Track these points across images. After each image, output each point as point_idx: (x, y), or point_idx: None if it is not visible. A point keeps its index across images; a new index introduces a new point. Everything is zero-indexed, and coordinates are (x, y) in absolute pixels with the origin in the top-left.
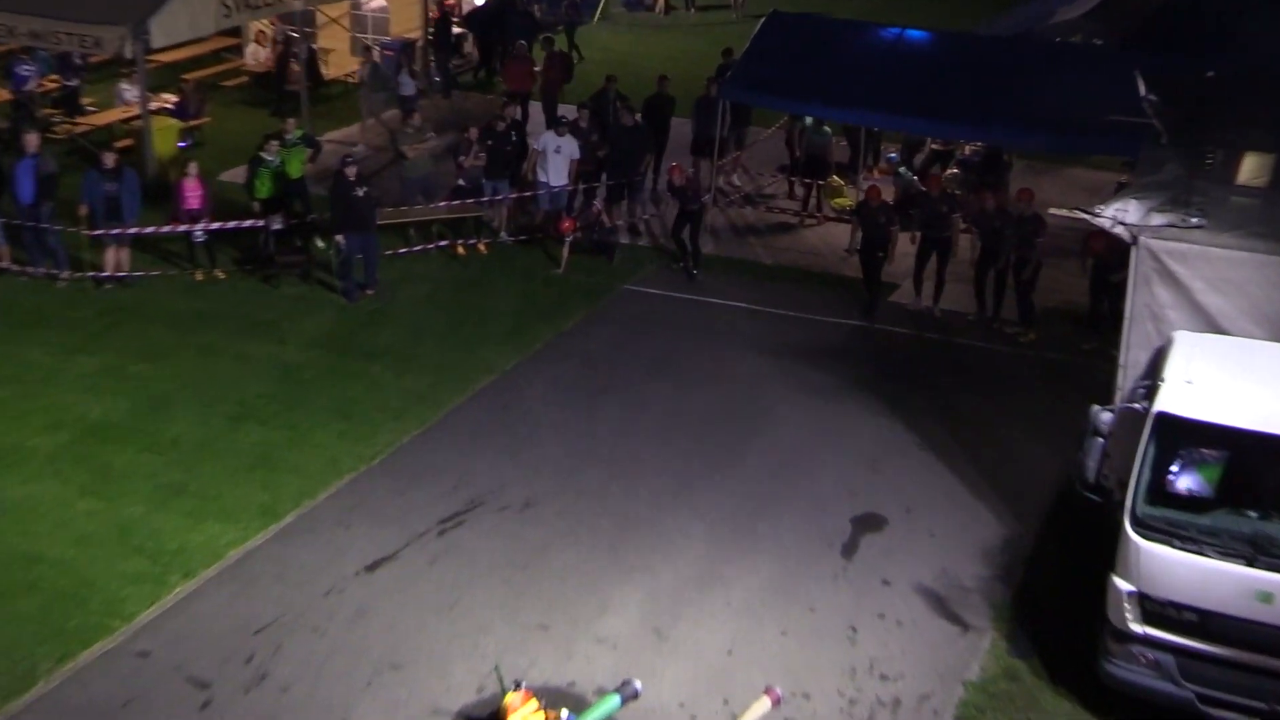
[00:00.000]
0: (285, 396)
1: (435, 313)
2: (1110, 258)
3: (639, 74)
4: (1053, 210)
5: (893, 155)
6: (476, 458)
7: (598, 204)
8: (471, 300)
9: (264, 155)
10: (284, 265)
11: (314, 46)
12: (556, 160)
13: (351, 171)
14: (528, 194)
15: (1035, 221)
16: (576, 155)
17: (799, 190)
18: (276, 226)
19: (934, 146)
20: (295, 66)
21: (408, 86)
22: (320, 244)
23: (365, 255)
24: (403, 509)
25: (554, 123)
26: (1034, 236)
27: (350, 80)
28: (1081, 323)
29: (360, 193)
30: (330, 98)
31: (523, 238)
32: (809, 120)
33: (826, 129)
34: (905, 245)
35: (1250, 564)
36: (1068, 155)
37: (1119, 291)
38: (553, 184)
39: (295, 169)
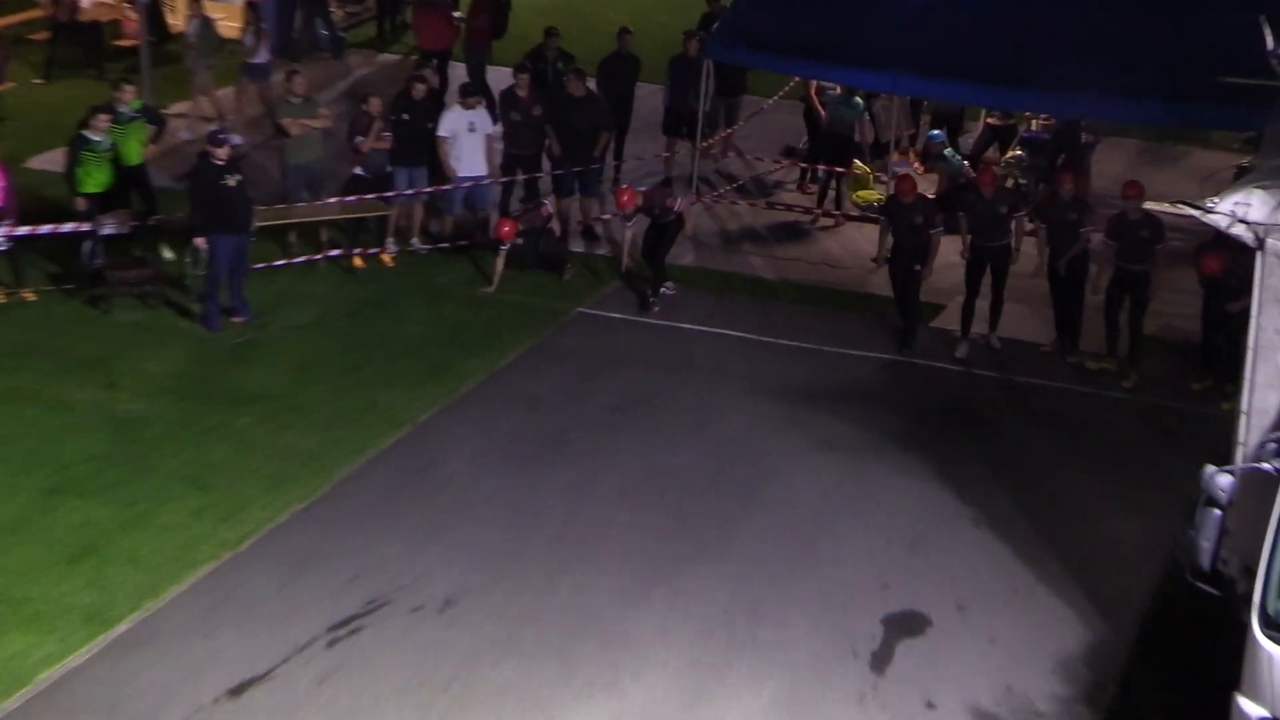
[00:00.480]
0: (121, 460)
1: (325, 345)
2: (1228, 280)
3: (593, 26)
4: (1149, 205)
5: (936, 133)
6: (381, 541)
7: (547, 204)
8: (374, 328)
9: (89, 135)
10: (119, 283)
11: None
12: (471, 143)
13: (223, 153)
14: (448, 187)
15: (1150, 225)
16: (492, 131)
17: (816, 180)
18: (108, 230)
19: (990, 121)
20: (131, 16)
21: (258, 53)
22: (168, 253)
23: (235, 268)
24: (281, 611)
25: (464, 91)
26: (1151, 245)
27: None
28: (1190, 355)
29: (233, 182)
30: (178, 56)
31: (443, 245)
32: (836, 88)
33: (858, 99)
34: (951, 253)
35: None
36: (1171, 131)
37: (1240, 322)
38: (468, 175)
39: (133, 152)
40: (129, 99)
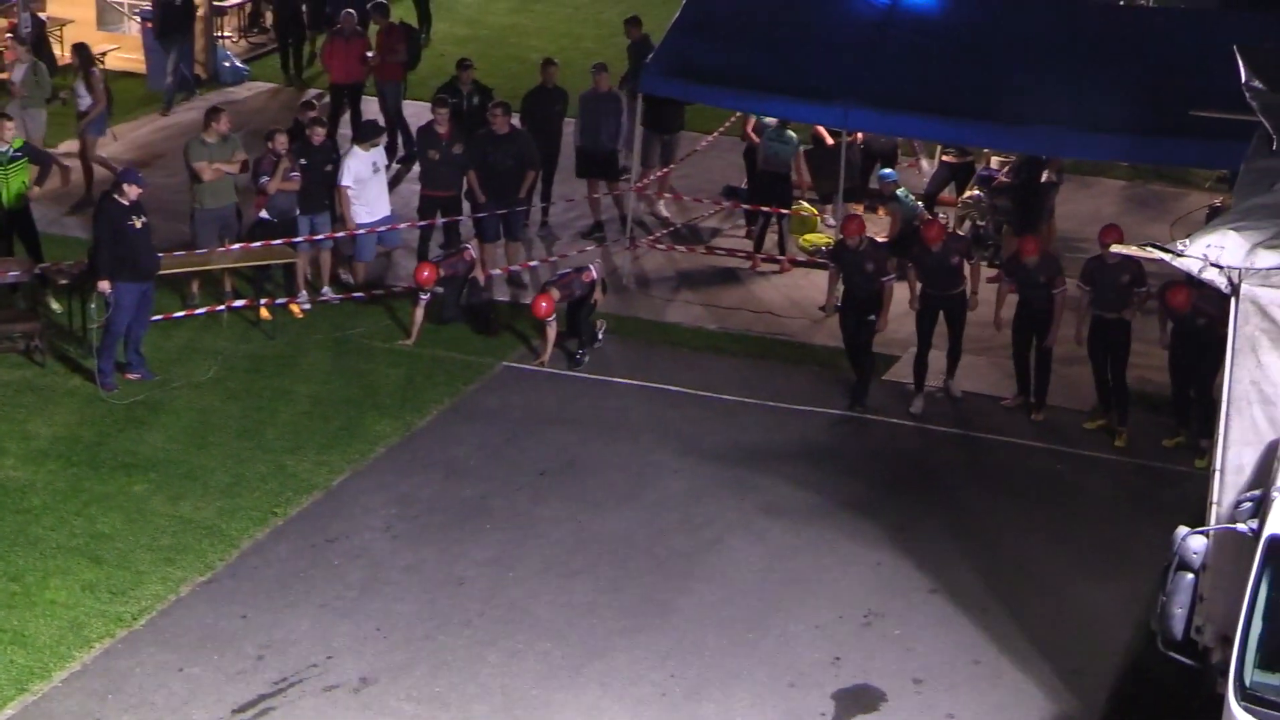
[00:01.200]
0: (2, 533)
1: (227, 405)
2: (1196, 318)
3: (518, 55)
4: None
5: (888, 172)
6: (289, 616)
7: (470, 249)
8: (281, 386)
9: None
10: (1, 337)
11: (41, 15)
12: (376, 184)
13: (133, 192)
14: (358, 231)
15: (1130, 270)
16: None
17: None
18: None
19: (945, 158)
20: (9, 48)
21: (82, 99)
22: (55, 305)
23: (137, 319)
24: (181, 693)
25: (361, 134)
26: (1130, 289)
27: (101, 64)
28: (1162, 409)
29: (139, 224)
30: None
31: (356, 295)
32: (769, 122)
33: (791, 134)
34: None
35: None
36: (1140, 168)
37: (1213, 373)
38: (378, 217)
39: (12, 194)
40: (9, 136)
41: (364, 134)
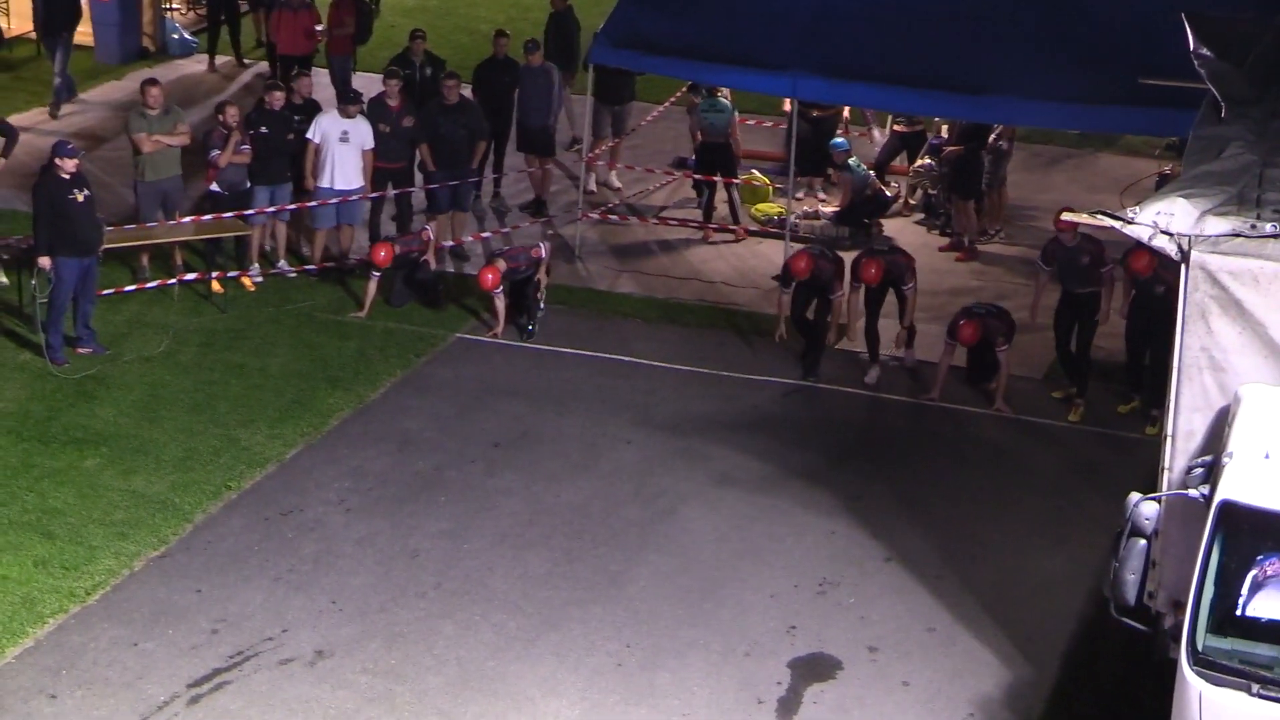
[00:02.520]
0: None
1: (178, 379)
2: (1155, 284)
3: (468, 27)
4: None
5: (840, 141)
6: (243, 590)
7: (427, 230)
8: (232, 360)
9: None
10: None
11: None
12: (344, 153)
13: (69, 165)
14: (312, 204)
15: (1090, 250)
16: (370, 144)
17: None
18: None
19: (897, 128)
20: None
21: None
22: (3, 278)
23: (82, 293)
24: (135, 668)
25: (344, 98)
26: (1094, 269)
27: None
28: (1113, 376)
29: (80, 198)
30: (14, 63)
31: (309, 269)
32: (703, 91)
33: (724, 100)
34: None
35: None
36: (1089, 136)
37: (1168, 335)
38: (338, 188)
39: None
40: None
41: (344, 99)
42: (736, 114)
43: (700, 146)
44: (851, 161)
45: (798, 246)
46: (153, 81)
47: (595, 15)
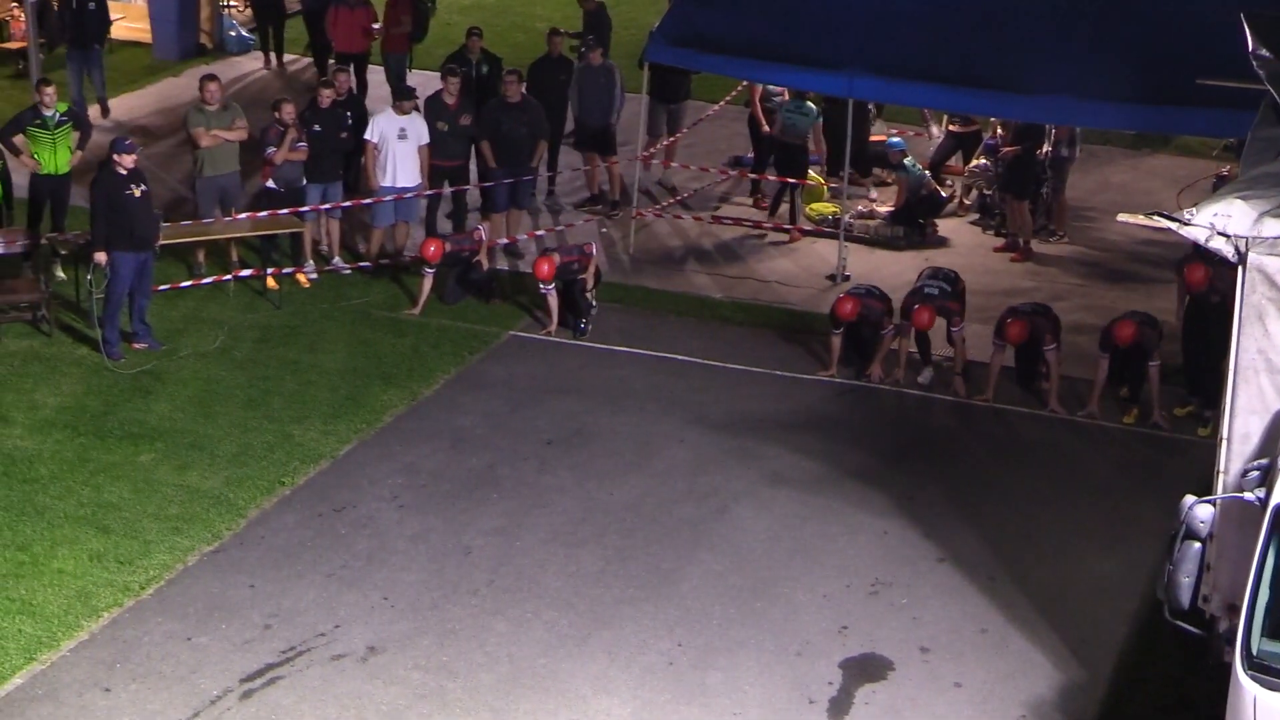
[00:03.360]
0: (10, 501)
1: (234, 375)
2: (1210, 294)
3: (523, 25)
4: (1121, 217)
5: (896, 141)
6: (296, 586)
7: (480, 230)
8: (287, 356)
9: None
10: (8, 307)
11: None
12: (402, 150)
13: (128, 160)
14: (369, 201)
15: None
16: (425, 140)
17: (759, 192)
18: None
19: (952, 128)
20: (18, 16)
21: None
22: (62, 274)
23: (138, 288)
24: (189, 662)
25: (399, 95)
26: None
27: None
28: (1169, 379)
29: (138, 193)
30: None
31: (363, 265)
32: (783, 93)
33: (810, 105)
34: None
35: None
36: (1146, 137)
37: (1223, 342)
38: (398, 186)
39: (60, 160)
40: (52, 102)
41: (399, 95)
42: (819, 119)
43: (778, 146)
44: (907, 161)
45: (851, 246)
46: (211, 77)
47: (651, 13)
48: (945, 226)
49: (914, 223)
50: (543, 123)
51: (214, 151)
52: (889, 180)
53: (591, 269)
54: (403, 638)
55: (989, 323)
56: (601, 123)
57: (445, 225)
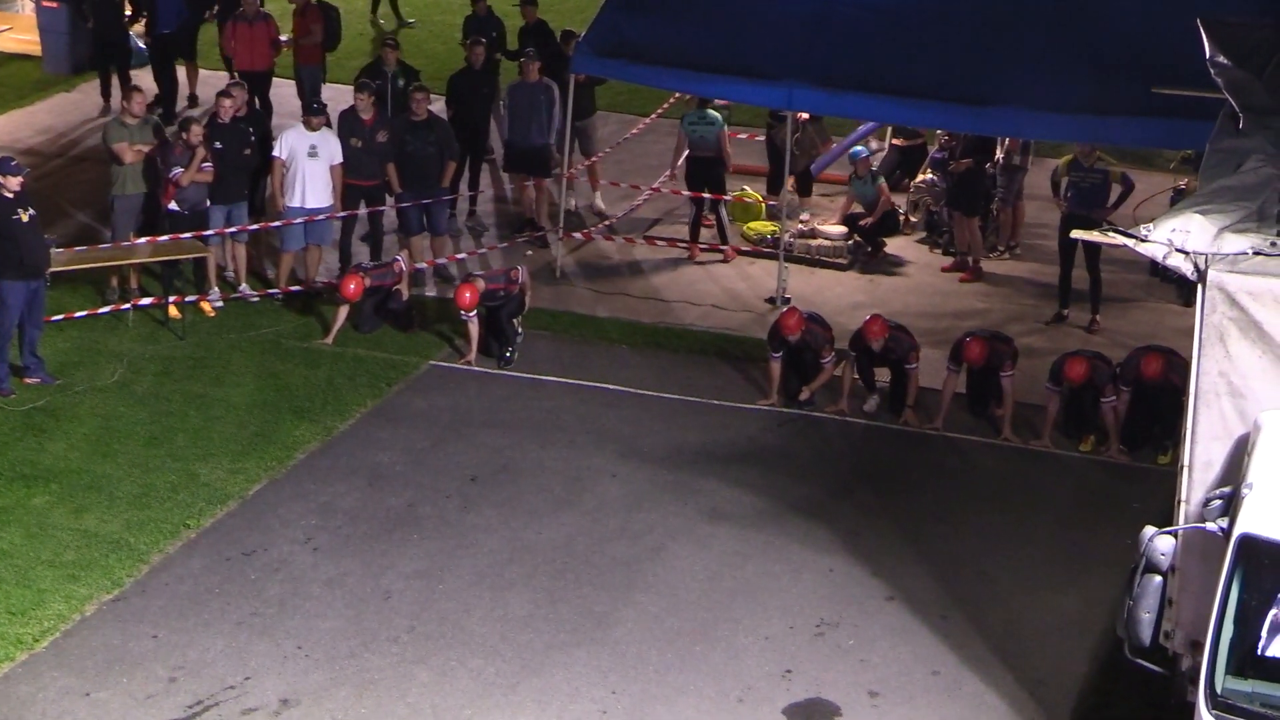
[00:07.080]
0: None
1: (134, 411)
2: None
3: (442, 35)
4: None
5: (861, 150)
6: (203, 635)
7: (400, 261)
8: (191, 390)
9: None
10: None
11: None
12: (313, 169)
13: (14, 183)
14: (277, 224)
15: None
16: (338, 158)
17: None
18: None
19: (895, 142)
20: None
21: None
22: None
23: (29, 319)
24: None
25: (308, 109)
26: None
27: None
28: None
29: (25, 217)
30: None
31: (272, 292)
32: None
33: (714, 113)
34: (859, 291)
35: None
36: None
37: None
38: (308, 206)
39: None
40: None
41: (309, 110)
42: (726, 127)
43: (686, 160)
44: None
45: (791, 267)
46: (136, 88)
47: (578, 23)
48: (892, 245)
49: (877, 242)
50: (452, 142)
51: (136, 168)
52: (829, 203)
53: (520, 295)
54: (318, 689)
55: (938, 346)
56: (539, 142)
57: (360, 248)
